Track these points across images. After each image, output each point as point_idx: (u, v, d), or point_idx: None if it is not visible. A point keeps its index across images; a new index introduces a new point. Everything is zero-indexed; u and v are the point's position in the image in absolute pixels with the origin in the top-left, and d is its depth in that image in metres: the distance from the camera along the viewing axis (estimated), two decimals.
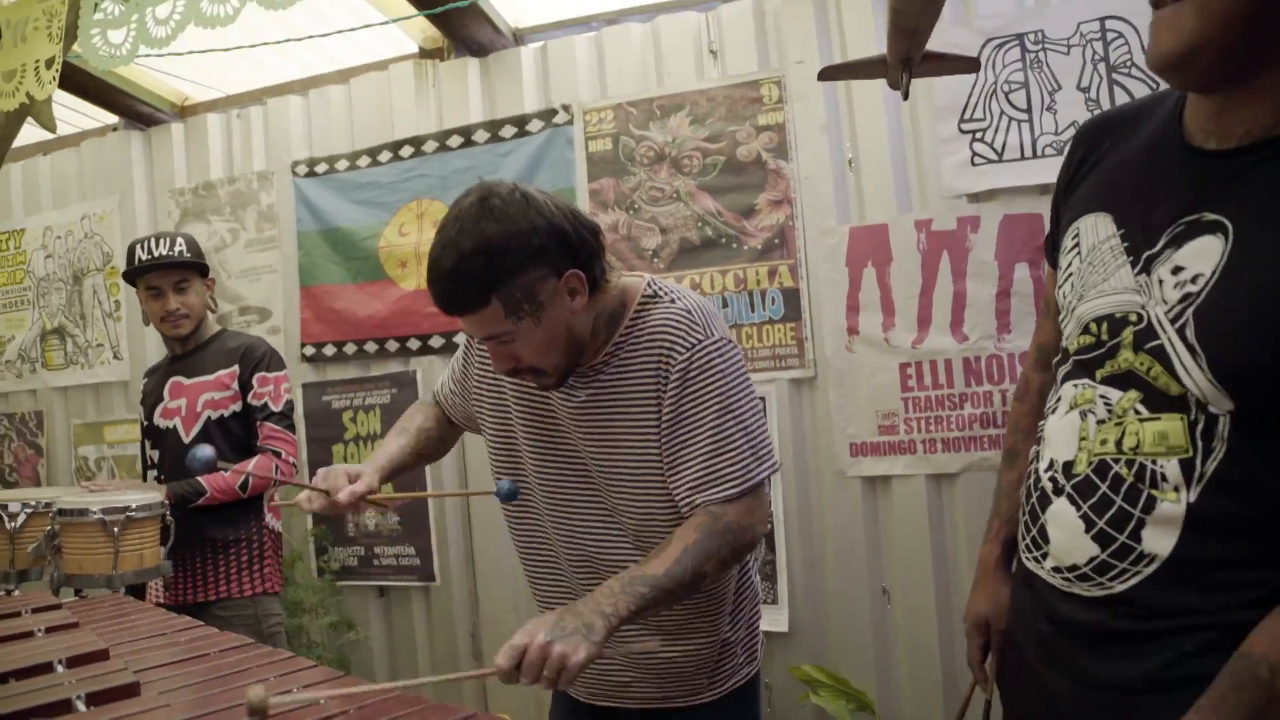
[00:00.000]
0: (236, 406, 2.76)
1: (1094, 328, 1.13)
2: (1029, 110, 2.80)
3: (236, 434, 2.75)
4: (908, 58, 2.06)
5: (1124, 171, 1.18)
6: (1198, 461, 1.01)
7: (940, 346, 2.88)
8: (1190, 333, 1.01)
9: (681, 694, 1.63)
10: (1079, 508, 1.12)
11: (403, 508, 3.45)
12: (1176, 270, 1.04)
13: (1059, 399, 1.20)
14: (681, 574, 1.36)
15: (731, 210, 3.12)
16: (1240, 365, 0.97)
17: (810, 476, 3.07)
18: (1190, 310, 1.01)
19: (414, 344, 3.49)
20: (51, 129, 2.59)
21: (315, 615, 3.36)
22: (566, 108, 3.31)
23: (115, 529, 2.43)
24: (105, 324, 4.06)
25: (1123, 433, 1.08)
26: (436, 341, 3.46)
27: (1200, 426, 1.01)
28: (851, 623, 2.99)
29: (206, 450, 1.55)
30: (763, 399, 3.06)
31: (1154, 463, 1.04)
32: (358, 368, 3.64)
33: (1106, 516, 1.08)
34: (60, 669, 1.51)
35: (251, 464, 2.67)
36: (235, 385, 2.75)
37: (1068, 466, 1.14)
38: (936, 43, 2.17)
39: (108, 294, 4.06)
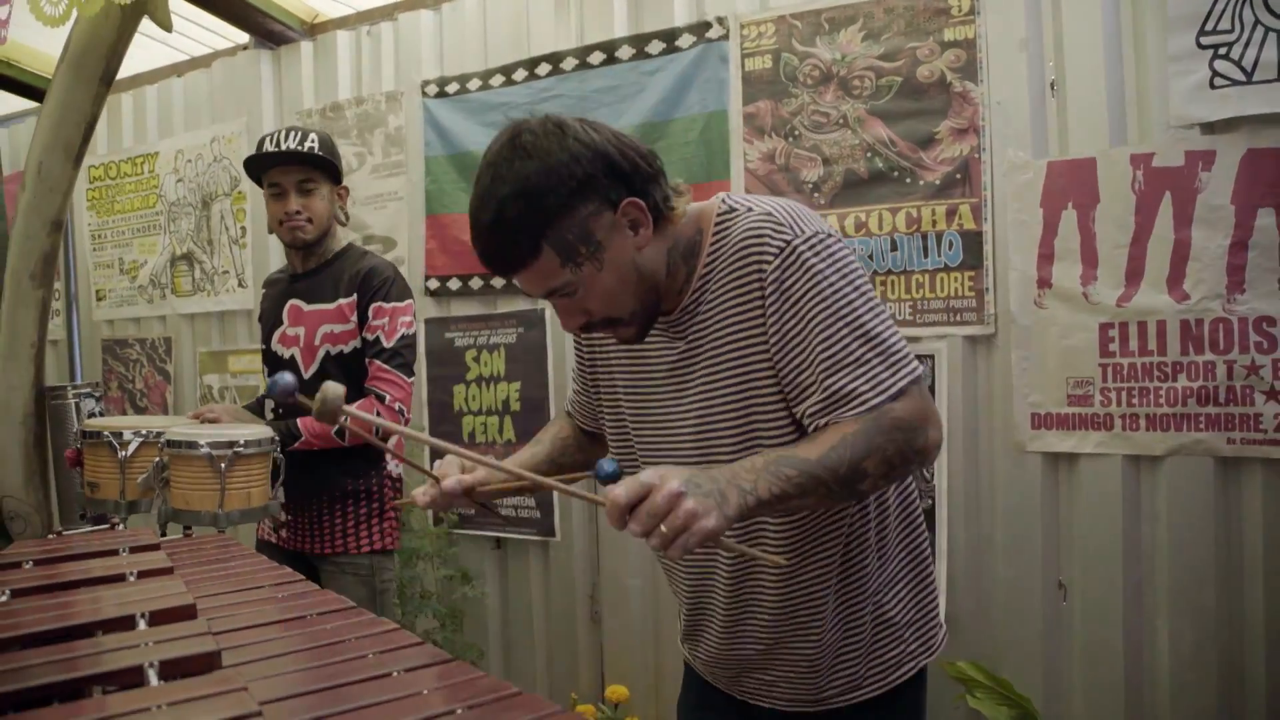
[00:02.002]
0: (356, 342, 2.50)
1: None
2: None
3: (358, 372, 2.48)
4: None
5: None
6: None
7: (1153, 305, 2.43)
8: None
9: (836, 687, 1.38)
10: None
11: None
12: None
13: None
14: (838, 463, 1.12)
15: (907, 139, 2.71)
16: None
17: (982, 448, 2.69)
18: None
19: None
20: (168, 27, 2.42)
21: (430, 566, 3.18)
22: (721, 20, 2.95)
23: (222, 464, 2.28)
24: (231, 250, 3.97)
25: None
26: None
27: None
28: (1019, 618, 2.62)
29: (287, 378, 1.30)
30: (931, 356, 2.68)
31: None
32: (482, 304, 3.42)
33: None
34: (143, 625, 1.34)
35: (352, 408, 2.44)
36: (354, 317, 2.48)
37: None
38: None
39: (234, 219, 3.96)
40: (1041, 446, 2.58)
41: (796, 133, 2.85)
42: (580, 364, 1.59)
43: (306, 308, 2.54)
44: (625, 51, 3.10)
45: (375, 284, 2.48)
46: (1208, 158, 2.38)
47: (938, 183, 2.68)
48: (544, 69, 3.22)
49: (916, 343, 2.70)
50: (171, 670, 1.15)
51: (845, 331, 1.18)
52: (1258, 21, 2.32)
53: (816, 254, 1.21)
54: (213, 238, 4.02)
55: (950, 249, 2.67)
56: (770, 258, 1.22)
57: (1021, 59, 2.60)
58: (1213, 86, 2.37)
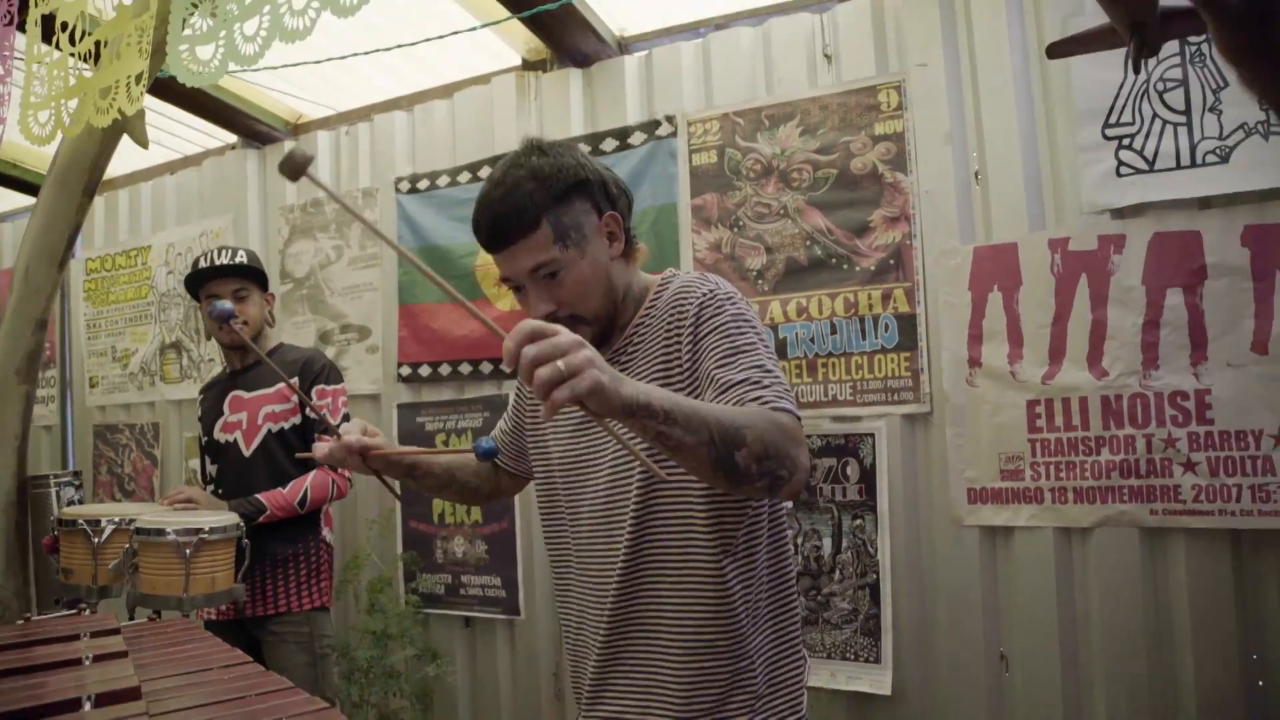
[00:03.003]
0: (296, 420, 2.77)
1: None
2: (1187, 112, 2.45)
3: (296, 447, 2.74)
4: (1138, 21, 1.76)
5: None
6: None
7: (1075, 382, 2.55)
8: None
9: None
10: None
11: (491, 541, 3.34)
12: None
13: None
14: (725, 419, 1.16)
15: (843, 228, 2.87)
16: None
17: (922, 523, 2.78)
18: None
19: (507, 366, 3.37)
20: (143, 144, 2.61)
21: (399, 645, 3.26)
22: (670, 119, 3.14)
23: (187, 550, 2.39)
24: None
25: None
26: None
27: None
28: (964, 690, 2.68)
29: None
30: (871, 435, 2.79)
31: None
32: (452, 389, 3.55)
33: None
34: (88, 706, 1.45)
35: (309, 478, 2.70)
36: (295, 398, 2.75)
37: None
38: (1088, 23, 1.88)
39: None
40: (978, 520, 2.67)
41: (741, 223, 3.01)
42: (517, 405, 1.73)
43: (247, 395, 2.80)
44: (581, 149, 3.27)
45: (315, 369, 2.78)
46: (1119, 241, 2.52)
47: (873, 268, 2.82)
48: None
49: (857, 422, 2.82)
50: None
51: (744, 360, 1.34)
52: (1155, 114, 2.48)
53: (731, 303, 1.40)
54: (199, 327, 4.18)
55: (886, 331, 2.80)
56: (693, 303, 1.41)
57: (947, 151, 2.77)
58: (1119, 175, 2.52)
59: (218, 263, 2.75)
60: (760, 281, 2.98)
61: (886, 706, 2.71)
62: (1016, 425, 2.62)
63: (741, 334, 1.37)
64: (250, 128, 3.99)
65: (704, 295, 1.41)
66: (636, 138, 3.19)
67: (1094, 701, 2.52)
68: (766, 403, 1.26)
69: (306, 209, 3.90)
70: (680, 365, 1.41)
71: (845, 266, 2.87)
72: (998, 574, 2.67)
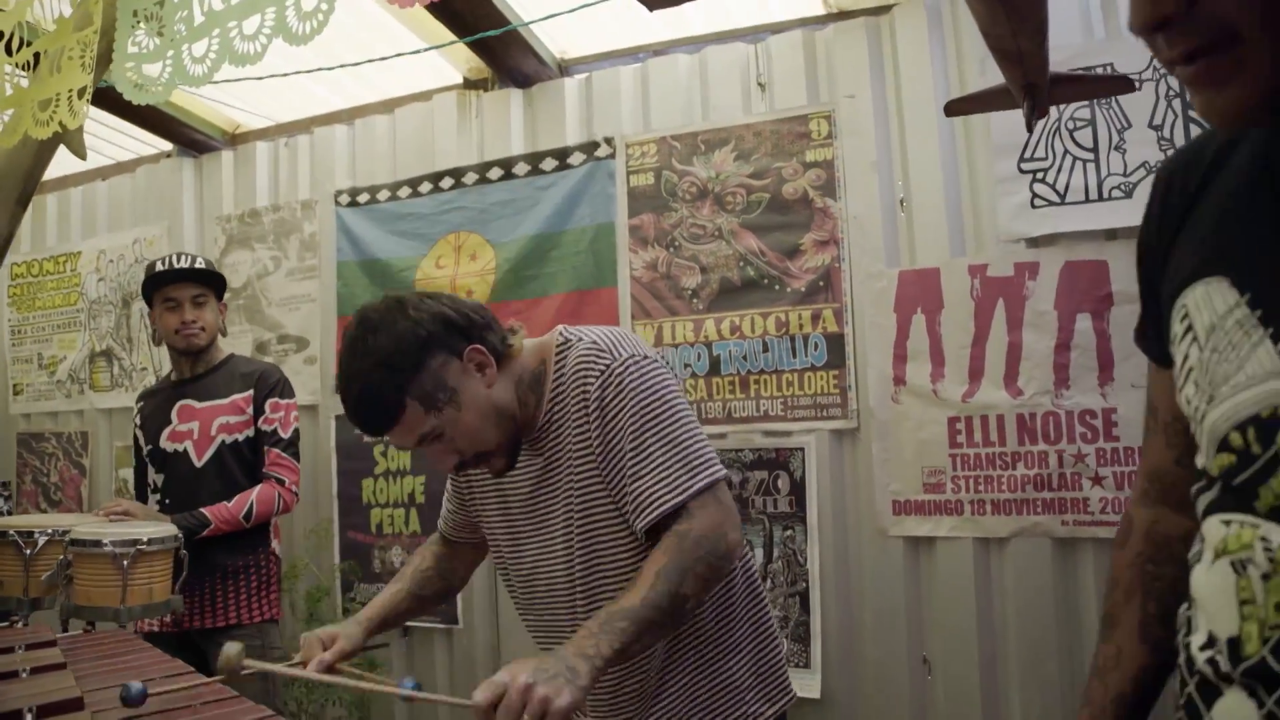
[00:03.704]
0: (250, 432, 2.76)
1: (1235, 439, 0.76)
2: (1095, 149, 2.62)
3: (249, 459, 2.75)
4: (1030, 84, 1.90)
5: (1228, 220, 0.85)
6: None
7: (992, 401, 2.69)
8: None
9: None
10: (1262, 705, 0.73)
11: None
12: None
13: (1201, 540, 0.83)
14: (659, 599, 1.28)
15: (775, 250, 2.98)
16: None
17: (850, 534, 2.90)
18: None
19: None
20: (82, 156, 2.59)
21: None
22: (609, 140, 3.22)
23: (125, 562, 2.38)
24: (150, 348, 4.08)
25: None
26: None
27: None
28: (889, 693, 2.80)
29: (135, 686, 1.46)
30: (801, 449, 2.91)
31: None
32: None
33: None
34: (30, 718, 1.45)
35: (255, 492, 2.69)
36: (250, 410, 2.75)
37: (1234, 646, 0.76)
38: (996, 76, 2.02)
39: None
40: (902, 531, 2.80)
41: (677, 243, 3.11)
42: (455, 485, 1.74)
43: (199, 405, 2.77)
44: (521, 168, 3.35)
45: (271, 382, 2.78)
46: (1033, 269, 2.67)
47: (803, 289, 2.94)
48: (447, 182, 3.45)
49: (787, 436, 2.93)
50: None
51: (650, 439, 1.38)
52: (1066, 151, 2.65)
53: (630, 374, 1.41)
54: (132, 335, 4.13)
55: (816, 350, 2.92)
56: (593, 380, 1.42)
57: (874, 179, 2.90)
58: (1033, 206, 2.68)
59: (179, 267, 2.74)
60: (695, 300, 3.07)
61: (815, 710, 2.82)
62: (938, 441, 2.76)
63: (644, 408, 1.39)
64: (187, 136, 3.97)
65: (602, 372, 1.42)
66: (576, 158, 3.27)
67: (1010, 703, 2.66)
68: (680, 493, 1.35)
69: (245, 219, 3.89)
70: (591, 448, 1.43)
71: (777, 287, 2.98)
72: (920, 582, 2.80)
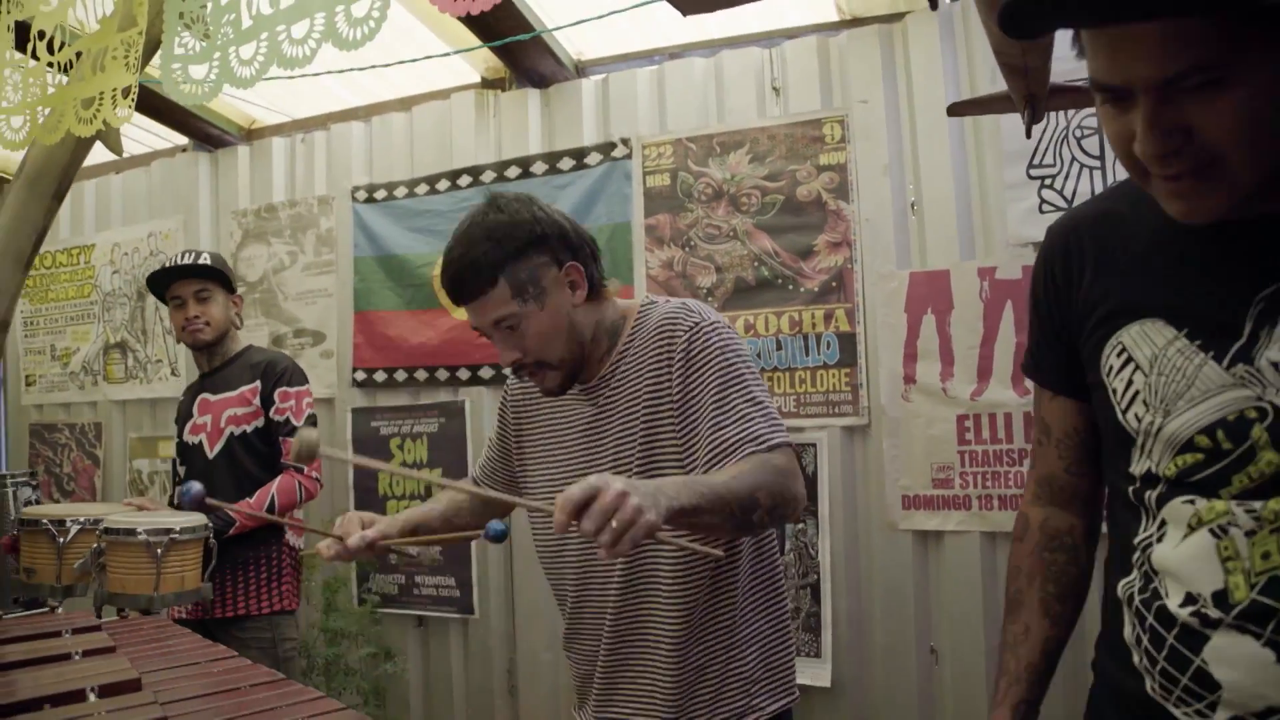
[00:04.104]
0: (259, 422, 2.78)
1: (1202, 441, 0.98)
2: (1101, 157, 2.71)
3: (260, 450, 2.77)
4: (1030, 94, 2.01)
5: (1150, 268, 1.06)
6: None
7: (1000, 399, 2.78)
8: None
9: None
10: (1259, 637, 0.94)
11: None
12: None
13: (1161, 524, 1.04)
14: (739, 490, 1.30)
15: (789, 251, 3.06)
16: None
17: (860, 528, 2.99)
18: None
19: (464, 374, 3.48)
20: (119, 153, 2.65)
21: (355, 644, 3.34)
22: (625, 141, 3.29)
23: (159, 550, 2.43)
24: (165, 340, 4.13)
25: None
26: (486, 372, 3.45)
27: None
28: (897, 681, 2.89)
29: (195, 486, 1.54)
30: (813, 445, 2.99)
31: None
32: (408, 395, 3.64)
33: None
34: (93, 698, 1.51)
35: (275, 484, 2.70)
36: (257, 401, 2.77)
37: (1220, 596, 0.97)
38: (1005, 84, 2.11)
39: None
40: (911, 525, 2.89)
41: (692, 243, 3.19)
42: (502, 428, 1.78)
43: (214, 398, 2.82)
44: (539, 167, 3.42)
45: (278, 372, 2.79)
46: None
47: (816, 290, 3.02)
48: (465, 180, 3.52)
49: (800, 433, 3.01)
50: None
51: (733, 393, 1.45)
52: (1074, 158, 2.73)
53: (716, 333, 1.49)
54: (147, 328, 4.18)
55: (828, 349, 3.01)
56: (681, 334, 1.49)
57: (886, 182, 2.98)
58: (1041, 211, 2.76)
59: (180, 264, 2.80)
60: (710, 299, 3.15)
61: (826, 697, 2.91)
62: (947, 438, 2.84)
63: (730, 366, 1.45)
64: (203, 131, 4.02)
65: (691, 327, 1.48)
66: (593, 158, 3.34)
67: None
68: (764, 443, 1.39)
69: (261, 213, 3.95)
70: (670, 394, 1.48)
71: (790, 287, 3.06)
72: (929, 575, 2.89)
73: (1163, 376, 1.01)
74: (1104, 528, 1.22)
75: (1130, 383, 1.05)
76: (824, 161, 3.04)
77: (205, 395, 2.84)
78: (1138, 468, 1.06)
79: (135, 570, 2.47)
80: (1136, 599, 1.06)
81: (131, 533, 2.44)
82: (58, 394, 4.49)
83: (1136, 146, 0.89)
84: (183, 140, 4.18)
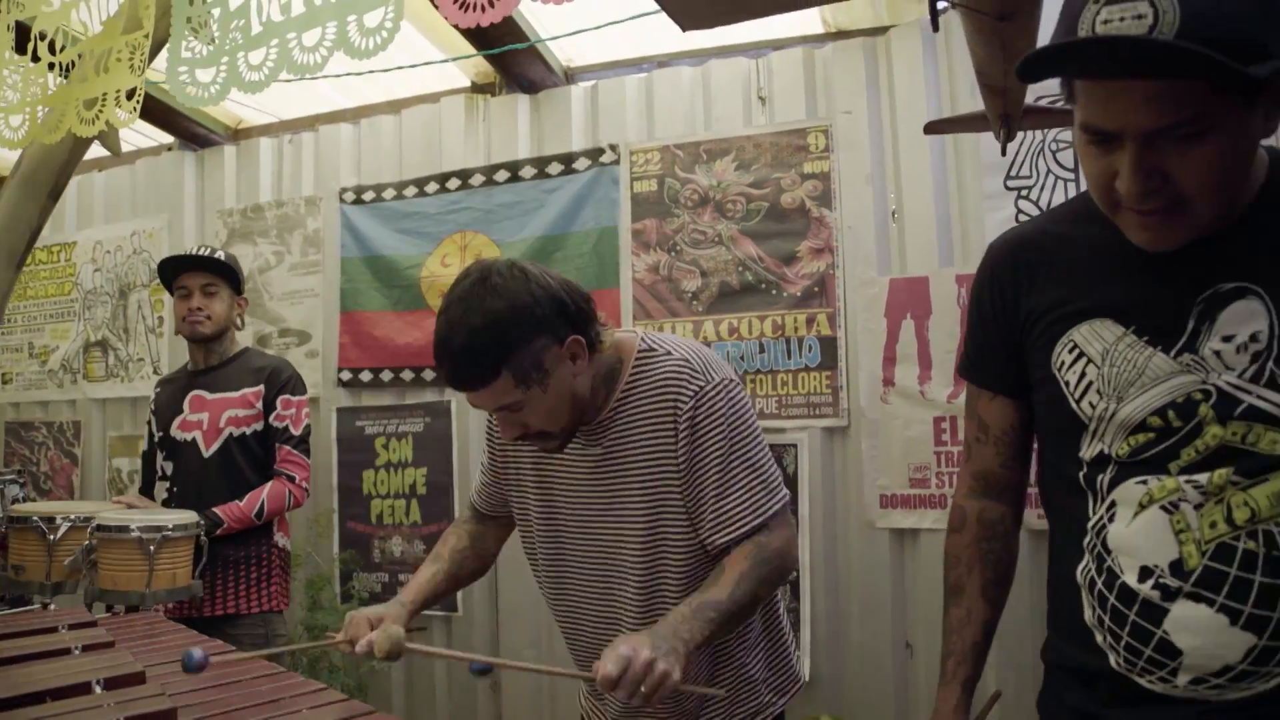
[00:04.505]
0: (259, 425, 2.81)
1: (1155, 421, 1.11)
2: (1075, 170, 2.80)
3: (256, 453, 2.80)
4: (1006, 114, 2.10)
5: (1098, 276, 1.18)
6: None
7: None
8: None
9: None
10: (1212, 603, 1.06)
11: (430, 540, 3.46)
12: (1228, 338, 1.06)
13: (1110, 505, 1.15)
14: (742, 598, 1.44)
15: (773, 256, 3.13)
16: None
17: (839, 526, 3.06)
18: (1271, 363, 1.04)
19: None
20: (117, 153, 2.67)
21: None
22: (614, 147, 3.35)
23: (152, 548, 2.46)
24: (148, 339, 4.13)
25: (1229, 509, 1.05)
26: None
27: None
28: (873, 675, 2.97)
29: (197, 653, 1.56)
30: (794, 445, 3.06)
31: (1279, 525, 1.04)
32: (393, 395, 3.68)
33: (1253, 598, 1.04)
34: (99, 689, 1.52)
35: (266, 489, 2.76)
36: (260, 404, 2.80)
37: (1176, 566, 1.08)
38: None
39: (152, 309, 4.13)
40: (888, 524, 2.97)
41: (678, 248, 3.25)
42: (491, 458, 1.80)
43: (210, 396, 2.84)
44: (528, 171, 3.47)
45: (283, 379, 2.84)
46: None
47: (799, 294, 3.10)
48: (454, 183, 3.56)
49: (781, 434, 3.08)
50: None
51: (737, 462, 1.51)
52: (1049, 170, 2.83)
53: (720, 398, 1.52)
54: (129, 326, 4.18)
55: (810, 352, 3.08)
56: (687, 399, 1.51)
57: (868, 191, 3.07)
58: (1017, 221, 2.85)
59: (193, 254, 2.87)
60: (695, 303, 3.22)
61: (804, 691, 2.94)
62: (924, 439, 2.93)
63: (734, 432, 1.51)
64: (189, 130, 4.02)
65: (697, 392, 1.50)
66: (581, 163, 3.39)
67: (987, 684, 2.81)
68: (761, 515, 1.50)
69: (247, 213, 3.96)
70: (675, 458, 1.52)
71: (774, 292, 3.13)
72: (905, 572, 2.97)
73: (1114, 367, 1.14)
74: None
75: (1083, 375, 1.17)
76: (808, 170, 3.12)
77: (199, 393, 2.84)
78: (1088, 452, 1.18)
79: (128, 567, 2.49)
80: (1098, 583, 1.16)
81: (125, 530, 2.45)
82: (35, 392, 4.47)
83: (1120, 184, 1.01)
84: (168, 139, 4.18)
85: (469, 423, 3.50)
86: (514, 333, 1.41)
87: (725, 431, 1.51)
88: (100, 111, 2.21)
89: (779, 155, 3.14)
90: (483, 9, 1.71)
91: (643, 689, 1.26)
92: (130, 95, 2.16)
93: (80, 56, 2.30)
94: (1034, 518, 2.73)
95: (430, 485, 3.53)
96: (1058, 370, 1.21)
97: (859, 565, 3.01)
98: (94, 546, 2.51)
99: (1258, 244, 1.07)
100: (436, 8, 1.78)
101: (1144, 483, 1.12)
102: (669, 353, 1.57)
